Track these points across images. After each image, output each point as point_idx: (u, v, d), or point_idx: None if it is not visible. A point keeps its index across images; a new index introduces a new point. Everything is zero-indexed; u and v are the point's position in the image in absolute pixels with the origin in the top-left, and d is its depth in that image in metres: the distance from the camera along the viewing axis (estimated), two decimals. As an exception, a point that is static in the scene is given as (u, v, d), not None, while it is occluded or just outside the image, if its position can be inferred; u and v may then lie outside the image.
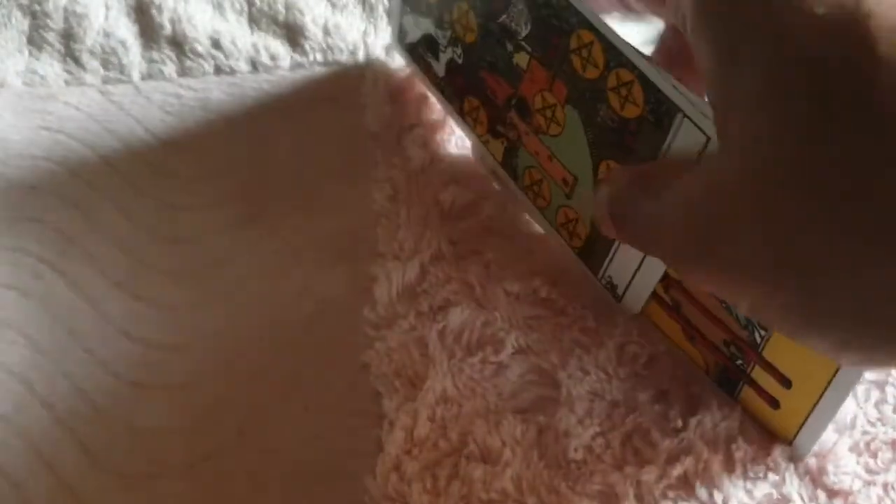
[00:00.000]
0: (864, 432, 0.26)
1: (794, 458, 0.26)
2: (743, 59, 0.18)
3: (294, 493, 0.27)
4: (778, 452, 0.26)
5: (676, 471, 0.25)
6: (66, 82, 0.37)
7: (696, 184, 0.20)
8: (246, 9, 0.39)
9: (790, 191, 0.17)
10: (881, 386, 0.27)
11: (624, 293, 0.28)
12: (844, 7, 0.17)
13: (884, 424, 0.26)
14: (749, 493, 0.25)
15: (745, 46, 0.18)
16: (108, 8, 0.39)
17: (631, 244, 0.24)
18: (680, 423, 0.27)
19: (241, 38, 0.38)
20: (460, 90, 0.31)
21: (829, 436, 0.26)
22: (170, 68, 0.38)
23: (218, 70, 0.37)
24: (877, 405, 0.27)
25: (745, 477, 0.25)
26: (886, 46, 0.16)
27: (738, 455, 0.26)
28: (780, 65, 0.17)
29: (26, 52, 0.38)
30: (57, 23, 0.39)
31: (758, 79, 0.18)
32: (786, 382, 0.25)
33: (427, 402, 0.27)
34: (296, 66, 0.37)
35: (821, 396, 0.24)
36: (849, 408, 0.27)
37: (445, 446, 0.26)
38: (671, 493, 0.25)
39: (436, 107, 0.35)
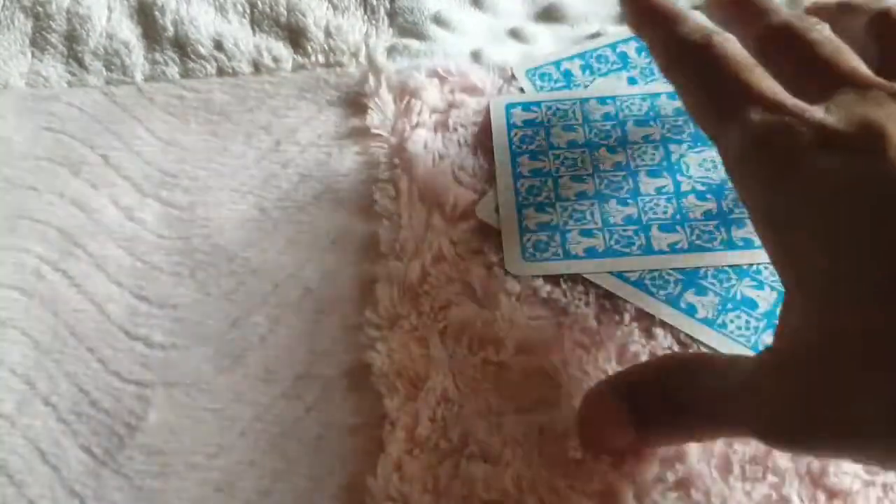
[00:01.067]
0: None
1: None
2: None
3: (295, 493, 0.27)
4: (777, 453, 0.26)
5: (675, 471, 0.25)
6: (69, 83, 0.38)
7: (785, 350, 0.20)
8: (248, 11, 0.39)
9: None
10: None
11: None
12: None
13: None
14: (748, 494, 0.25)
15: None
16: (110, 10, 0.39)
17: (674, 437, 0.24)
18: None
19: (243, 39, 0.38)
20: None
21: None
22: (172, 70, 0.38)
23: (220, 72, 0.37)
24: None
25: (744, 478, 0.25)
26: None
27: (737, 457, 0.26)
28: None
29: (29, 54, 0.38)
30: (60, 24, 0.39)
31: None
32: None
33: (428, 402, 0.27)
34: (298, 67, 0.38)
35: None
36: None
37: (446, 446, 0.26)
38: (670, 494, 0.25)
39: (438, 107, 0.35)
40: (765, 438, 0.20)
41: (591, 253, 0.30)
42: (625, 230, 0.30)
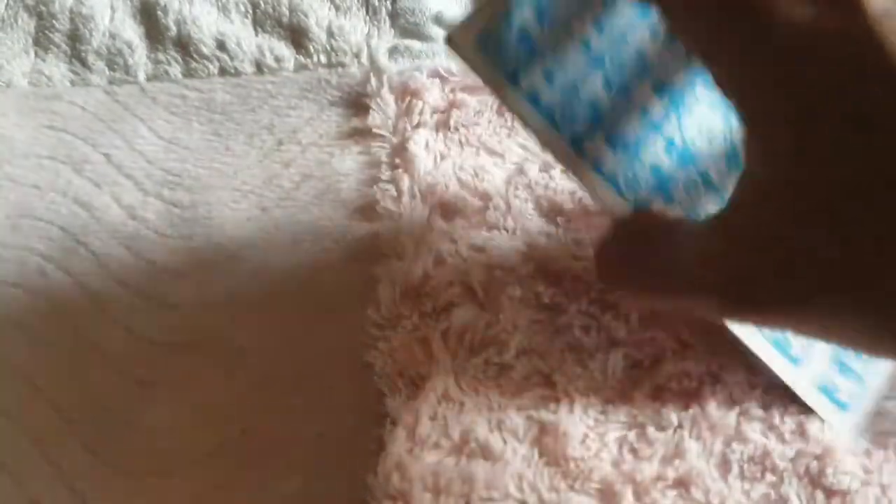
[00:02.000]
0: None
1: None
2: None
3: (296, 492, 0.27)
4: (776, 452, 0.26)
5: (674, 470, 0.26)
6: (72, 83, 0.38)
7: (730, 216, 0.19)
8: (250, 11, 0.39)
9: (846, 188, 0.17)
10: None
11: None
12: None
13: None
14: (746, 493, 0.25)
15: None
16: (113, 9, 0.39)
17: (642, 296, 0.24)
18: (676, 421, 0.27)
19: (245, 39, 0.38)
20: None
21: (827, 435, 0.26)
22: (175, 69, 0.38)
23: (223, 71, 0.38)
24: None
25: (743, 477, 0.25)
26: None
27: (735, 456, 0.26)
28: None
29: (32, 53, 0.39)
30: (63, 24, 0.39)
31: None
32: None
33: (429, 401, 0.27)
34: (300, 67, 0.38)
35: None
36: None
37: (447, 445, 0.27)
38: (670, 492, 0.25)
39: (439, 107, 0.35)
40: (720, 309, 0.20)
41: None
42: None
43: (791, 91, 0.18)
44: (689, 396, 0.28)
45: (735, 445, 0.26)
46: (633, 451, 0.26)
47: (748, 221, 0.19)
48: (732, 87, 0.19)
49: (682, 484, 0.25)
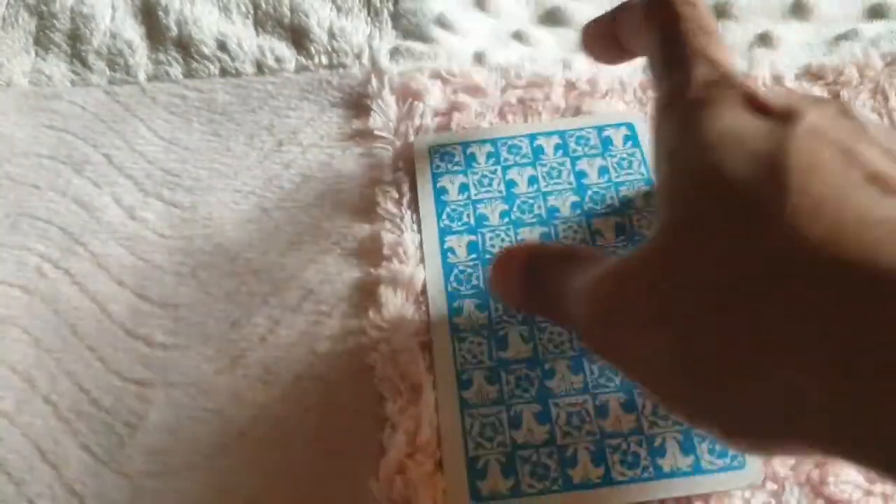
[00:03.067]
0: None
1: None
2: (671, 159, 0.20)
3: (296, 494, 0.27)
4: (776, 462, 0.26)
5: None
6: (72, 82, 0.38)
7: (614, 263, 0.21)
8: (252, 11, 0.39)
9: (679, 283, 0.18)
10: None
11: None
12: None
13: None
14: (747, 501, 0.25)
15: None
16: (114, 9, 0.39)
17: (537, 310, 0.25)
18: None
19: (246, 40, 0.38)
20: None
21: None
22: (176, 70, 0.38)
23: (223, 72, 0.38)
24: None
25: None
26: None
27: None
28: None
29: (33, 53, 0.38)
30: (63, 23, 0.39)
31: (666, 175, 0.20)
32: None
33: (430, 406, 0.27)
34: (301, 68, 0.38)
35: None
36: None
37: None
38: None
39: (440, 109, 0.35)
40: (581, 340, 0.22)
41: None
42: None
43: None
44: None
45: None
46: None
47: (625, 273, 0.20)
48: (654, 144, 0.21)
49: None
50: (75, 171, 0.35)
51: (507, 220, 0.31)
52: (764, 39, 0.37)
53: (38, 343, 0.30)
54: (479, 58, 0.37)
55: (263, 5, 0.39)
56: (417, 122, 0.35)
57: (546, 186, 0.31)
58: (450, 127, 0.35)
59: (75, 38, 0.38)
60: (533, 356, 0.27)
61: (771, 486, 0.25)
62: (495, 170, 0.32)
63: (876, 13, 0.38)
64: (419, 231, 0.31)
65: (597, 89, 0.35)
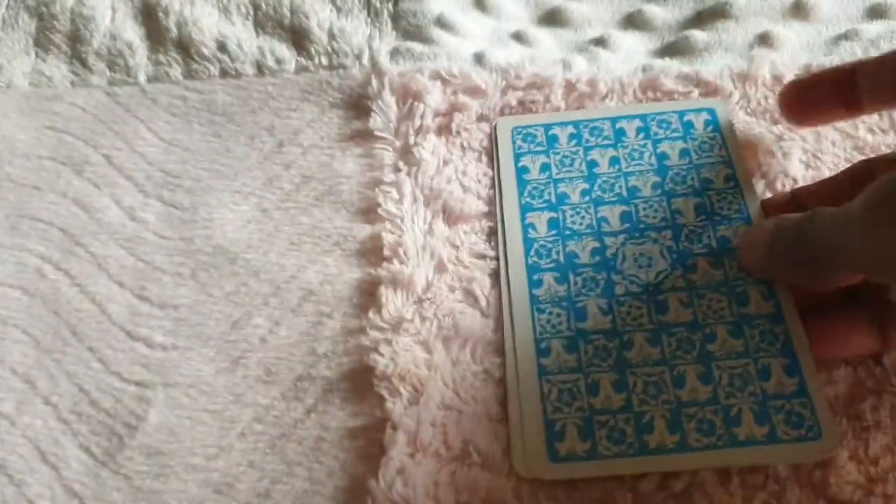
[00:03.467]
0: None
1: None
2: None
3: (297, 494, 0.27)
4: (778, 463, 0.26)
5: (676, 482, 0.25)
6: (73, 83, 0.38)
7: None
8: (252, 12, 0.39)
9: None
10: (878, 393, 0.27)
11: None
12: None
13: (885, 433, 0.26)
14: (748, 502, 0.25)
15: None
16: (114, 10, 0.39)
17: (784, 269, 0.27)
18: None
19: (246, 41, 0.38)
20: None
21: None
22: (176, 71, 0.38)
23: (223, 73, 0.38)
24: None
25: (744, 486, 0.25)
26: None
27: (735, 468, 0.26)
28: None
29: (33, 54, 0.39)
30: (64, 25, 0.39)
31: None
32: None
33: (430, 407, 0.27)
34: (301, 69, 0.38)
35: None
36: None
37: (447, 452, 0.26)
38: (670, 502, 0.25)
39: (441, 110, 0.35)
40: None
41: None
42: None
43: None
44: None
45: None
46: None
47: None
48: None
49: (685, 494, 0.25)
50: (75, 173, 0.35)
51: (587, 198, 0.31)
52: (764, 39, 0.37)
53: (38, 344, 0.30)
54: (479, 58, 0.37)
55: (263, 6, 0.39)
56: (417, 122, 0.35)
57: (627, 167, 0.32)
58: (450, 128, 0.35)
59: (75, 40, 0.39)
60: (611, 328, 0.28)
61: (772, 486, 0.25)
62: (577, 150, 0.33)
63: (876, 13, 0.38)
64: (500, 209, 0.32)
65: (597, 90, 0.35)
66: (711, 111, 0.34)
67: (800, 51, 0.37)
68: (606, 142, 0.33)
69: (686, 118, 0.33)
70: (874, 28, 0.37)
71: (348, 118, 0.36)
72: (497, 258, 0.31)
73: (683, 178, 0.31)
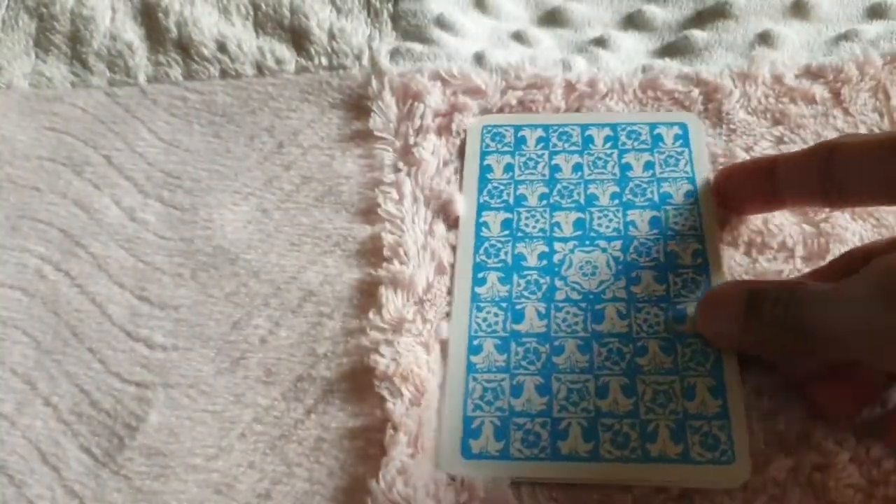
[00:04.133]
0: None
1: None
2: None
3: (294, 496, 0.27)
4: (777, 465, 0.25)
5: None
6: (73, 84, 0.38)
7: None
8: (251, 13, 0.39)
9: None
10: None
11: None
12: None
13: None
14: (748, 503, 0.25)
15: None
16: (114, 11, 0.39)
17: (758, 344, 0.26)
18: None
19: (246, 41, 0.38)
20: None
21: (831, 447, 0.26)
22: (176, 71, 0.38)
23: (223, 73, 0.38)
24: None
25: (745, 487, 0.25)
26: None
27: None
28: None
29: (33, 55, 0.39)
30: (64, 25, 0.39)
31: None
32: None
33: (430, 408, 0.27)
34: (301, 69, 0.38)
35: None
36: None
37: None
38: None
39: (440, 110, 0.35)
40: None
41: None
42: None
43: None
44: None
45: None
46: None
47: None
48: None
49: (686, 496, 0.25)
50: (75, 173, 0.35)
51: (545, 202, 0.31)
52: (764, 39, 0.37)
53: (39, 345, 0.30)
54: (479, 59, 0.37)
55: (263, 7, 0.39)
56: (417, 123, 0.34)
57: (589, 175, 0.32)
58: (450, 128, 0.35)
59: (75, 40, 0.39)
60: (545, 332, 0.28)
61: (772, 489, 0.25)
62: (542, 154, 0.33)
63: (876, 13, 0.38)
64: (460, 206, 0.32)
65: (597, 90, 0.35)
66: (683, 126, 0.33)
67: (800, 50, 0.37)
68: (573, 148, 0.33)
69: (657, 131, 0.33)
70: (874, 28, 0.37)
71: (348, 119, 0.36)
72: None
73: (643, 190, 0.31)
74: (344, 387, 0.29)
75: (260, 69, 0.38)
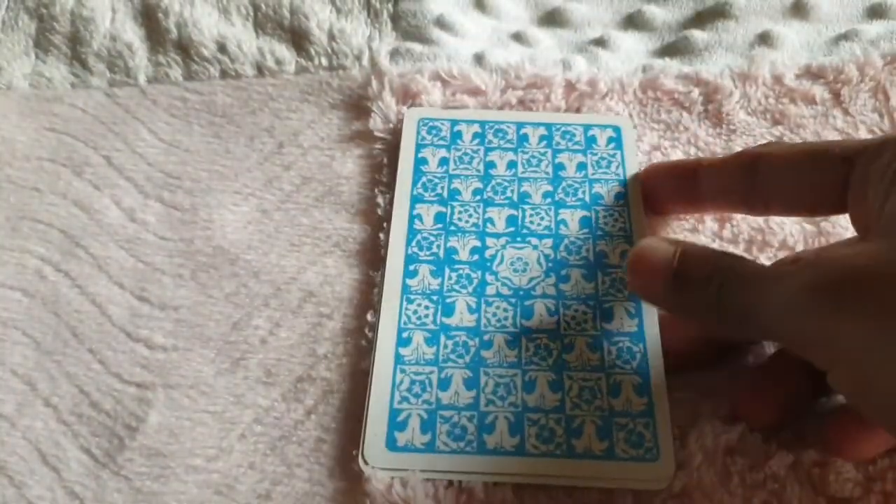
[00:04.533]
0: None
1: None
2: None
3: (295, 496, 0.27)
4: (776, 461, 0.26)
5: (676, 482, 0.25)
6: (73, 85, 0.38)
7: (836, 257, 0.21)
8: (251, 13, 0.39)
9: None
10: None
11: None
12: None
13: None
14: (748, 501, 0.25)
15: None
16: (114, 11, 0.39)
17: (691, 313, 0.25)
18: (679, 431, 0.27)
19: (246, 42, 0.38)
20: None
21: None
22: (176, 72, 0.38)
23: (223, 74, 0.38)
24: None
25: (745, 485, 0.25)
26: None
27: (736, 466, 0.26)
28: None
29: (33, 55, 0.39)
30: (63, 26, 0.39)
31: None
32: None
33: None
34: (301, 70, 0.38)
35: None
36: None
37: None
38: (671, 502, 0.25)
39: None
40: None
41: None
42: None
43: None
44: (692, 404, 0.27)
45: (736, 456, 0.26)
46: None
47: None
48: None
49: (685, 493, 0.25)
50: (75, 174, 0.35)
51: (478, 197, 0.32)
52: (764, 39, 0.37)
53: (39, 346, 0.30)
54: (478, 59, 0.37)
55: (263, 7, 0.39)
56: (417, 123, 0.34)
57: (523, 173, 0.32)
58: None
59: (75, 41, 0.39)
60: (476, 326, 0.28)
61: (772, 484, 0.25)
62: (478, 150, 0.33)
63: (876, 13, 0.38)
64: (392, 198, 0.32)
65: (597, 90, 0.35)
66: (617, 129, 0.34)
67: (800, 50, 0.37)
68: (508, 145, 0.33)
69: (590, 132, 0.34)
70: (874, 28, 0.37)
71: (348, 119, 0.36)
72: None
73: (575, 190, 0.32)
74: (344, 387, 0.29)
75: (260, 70, 0.38)
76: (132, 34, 0.39)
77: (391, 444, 0.26)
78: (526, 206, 0.31)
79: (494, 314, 0.29)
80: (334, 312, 0.30)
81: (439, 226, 0.31)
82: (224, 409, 0.28)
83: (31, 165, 0.35)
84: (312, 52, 0.38)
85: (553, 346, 0.28)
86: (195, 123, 0.36)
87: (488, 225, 0.31)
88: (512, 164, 0.32)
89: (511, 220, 0.31)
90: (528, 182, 0.32)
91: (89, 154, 0.35)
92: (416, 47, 0.38)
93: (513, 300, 0.29)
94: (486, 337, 0.28)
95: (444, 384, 0.27)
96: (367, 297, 0.30)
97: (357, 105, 0.36)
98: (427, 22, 0.38)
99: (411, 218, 0.31)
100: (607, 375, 0.27)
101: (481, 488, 0.25)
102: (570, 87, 0.35)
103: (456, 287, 0.29)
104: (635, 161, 0.33)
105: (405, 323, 0.29)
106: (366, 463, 0.26)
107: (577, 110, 0.35)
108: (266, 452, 0.27)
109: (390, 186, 0.33)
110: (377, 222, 0.32)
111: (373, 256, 0.32)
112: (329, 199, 0.33)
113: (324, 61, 0.38)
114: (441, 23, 0.39)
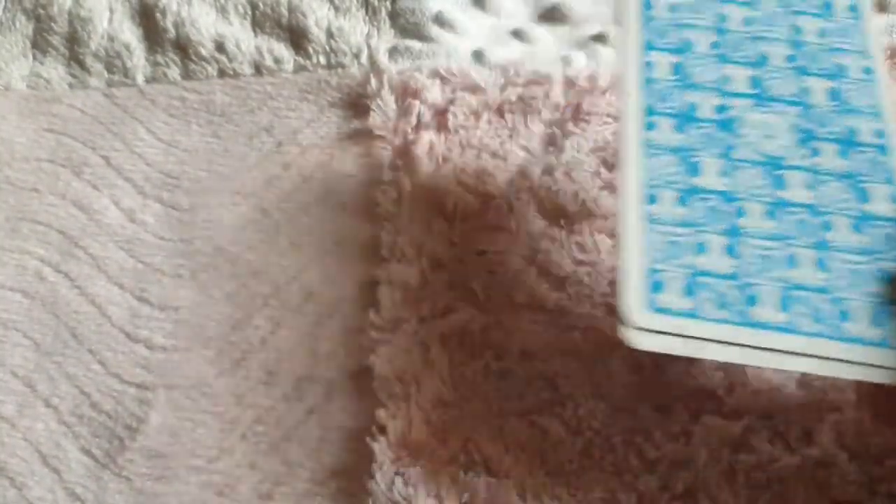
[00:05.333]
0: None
1: None
2: None
3: (296, 496, 0.27)
4: (781, 462, 0.25)
5: (679, 479, 0.25)
6: (71, 85, 0.38)
7: None
8: (249, 12, 0.39)
9: None
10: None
11: None
12: None
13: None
14: (753, 501, 0.25)
15: None
16: (112, 12, 0.39)
17: None
18: (683, 430, 0.27)
19: (244, 41, 0.38)
20: None
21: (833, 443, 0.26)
22: (174, 71, 0.38)
23: (222, 73, 0.37)
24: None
25: (749, 485, 0.25)
26: None
27: (741, 465, 0.26)
28: None
29: (31, 56, 0.38)
30: (61, 27, 0.39)
31: None
32: None
33: (426, 406, 0.27)
34: (299, 68, 0.37)
35: None
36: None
37: (447, 452, 0.26)
38: (674, 503, 0.25)
39: (439, 108, 0.35)
40: None
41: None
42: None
43: None
44: (696, 403, 0.27)
45: (741, 454, 0.26)
46: (640, 457, 0.26)
47: None
48: None
49: (689, 493, 0.25)
50: (74, 174, 0.35)
51: (715, 51, 0.29)
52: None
53: (39, 347, 0.30)
54: (478, 56, 0.37)
55: (261, 6, 0.39)
56: (416, 121, 0.34)
57: (760, 31, 0.29)
58: (449, 126, 0.34)
59: (73, 41, 0.38)
60: (728, 190, 0.26)
61: (776, 486, 0.25)
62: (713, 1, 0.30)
63: (877, 7, 0.38)
64: (618, 44, 0.29)
65: (596, 86, 0.35)
66: None
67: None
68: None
69: None
70: (874, 22, 0.37)
71: (347, 117, 0.36)
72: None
73: (817, 57, 0.29)
74: (344, 386, 0.29)
75: (258, 68, 0.38)
76: (130, 34, 0.39)
77: (651, 305, 0.24)
78: (764, 70, 0.28)
79: (747, 181, 0.26)
80: (334, 312, 0.30)
81: (677, 77, 0.28)
82: (225, 409, 0.28)
83: (30, 166, 0.35)
84: (311, 50, 0.38)
85: (814, 221, 0.25)
86: (194, 123, 0.36)
87: (728, 83, 0.28)
88: (749, 21, 0.29)
89: (754, 82, 0.28)
90: (764, 42, 0.29)
91: (88, 154, 0.35)
92: (415, 45, 0.37)
93: (766, 167, 0.26)
94: (739, 203, 0.26)
95: (701, 248, 0.25)
96: (367, 296, 0.30)
97: (356, 103, 0.36)
98: (426, 19, 0.38)
99: (646, 66, 0.28)
100: (875, 261, 0.25)
101: (483, 487, 0.25)
102: (569, 83, 0.35)
103: (701, 146, 0.27)
104: (878, 32, 0.30)
105: (651, 179, 0.26)
106: (623, 325, 0.23)
107: (578, 106, 0.35)
108: (267, 452, 0.28)
109: (393, 184, 0.33)
110: (377, 220, 0.32)
111: (372, 256, 0.31)
112: (328, 197, 0.33)
113: (322, 59, 0.38)
114: (440, 20, 0.38)
